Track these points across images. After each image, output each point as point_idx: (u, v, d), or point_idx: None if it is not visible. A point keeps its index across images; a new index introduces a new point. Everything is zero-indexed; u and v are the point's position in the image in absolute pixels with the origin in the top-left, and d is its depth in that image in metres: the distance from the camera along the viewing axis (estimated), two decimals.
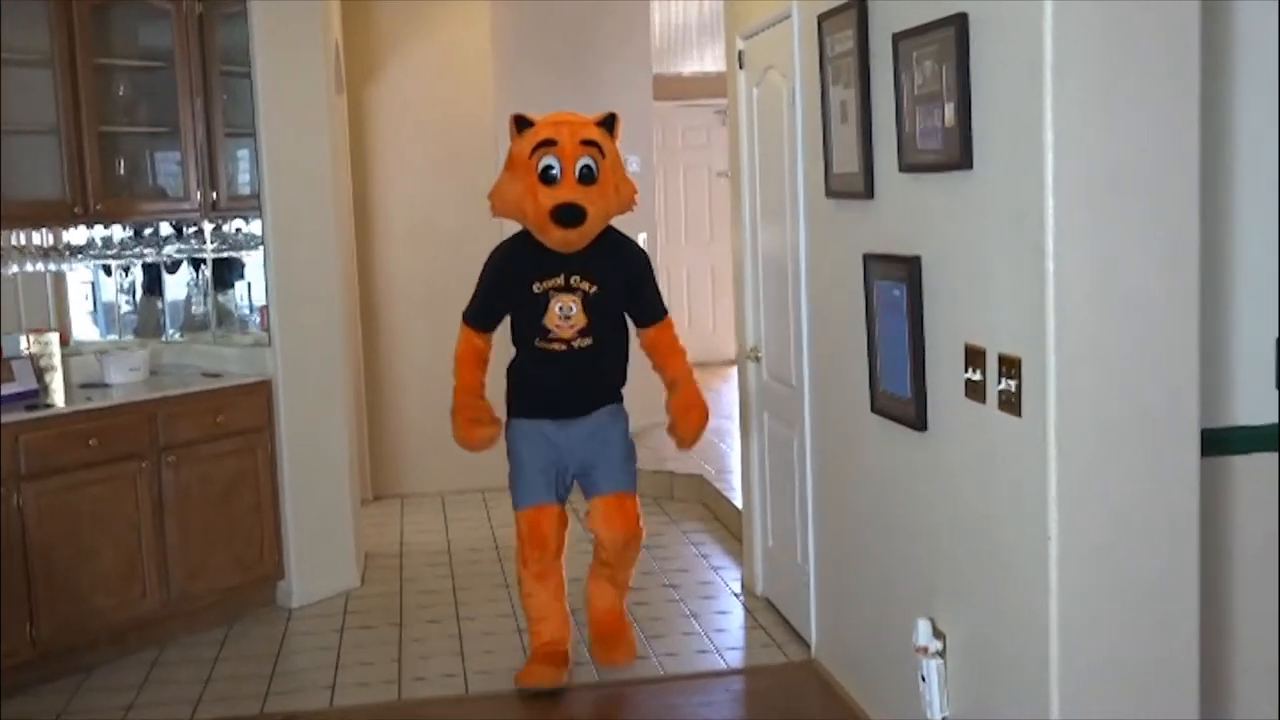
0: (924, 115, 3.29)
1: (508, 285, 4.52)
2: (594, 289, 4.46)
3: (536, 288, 4.45)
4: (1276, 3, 3.11)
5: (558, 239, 4.38)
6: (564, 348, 4.48)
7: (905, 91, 3.38)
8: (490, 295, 4.59)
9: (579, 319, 4.45)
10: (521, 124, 4.47)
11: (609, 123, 4.52)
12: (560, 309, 4.44)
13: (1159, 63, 2.80)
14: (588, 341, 4.48)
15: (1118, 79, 2.78)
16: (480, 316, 4.63)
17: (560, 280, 4.44)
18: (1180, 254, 2.85)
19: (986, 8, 2.99)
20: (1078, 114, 2.77)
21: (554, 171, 4.36)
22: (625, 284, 4.57)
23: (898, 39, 3.40)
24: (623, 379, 4.71)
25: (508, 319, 4.62)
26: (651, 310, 4.71)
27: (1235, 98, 3.16)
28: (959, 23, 3.06)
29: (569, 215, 4.33)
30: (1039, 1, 2.74)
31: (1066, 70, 2.75)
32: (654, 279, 4.73)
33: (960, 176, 3.15)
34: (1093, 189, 2.80)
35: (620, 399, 4.72)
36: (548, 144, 4.37)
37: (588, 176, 4.38)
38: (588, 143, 4.41)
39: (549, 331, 4.47)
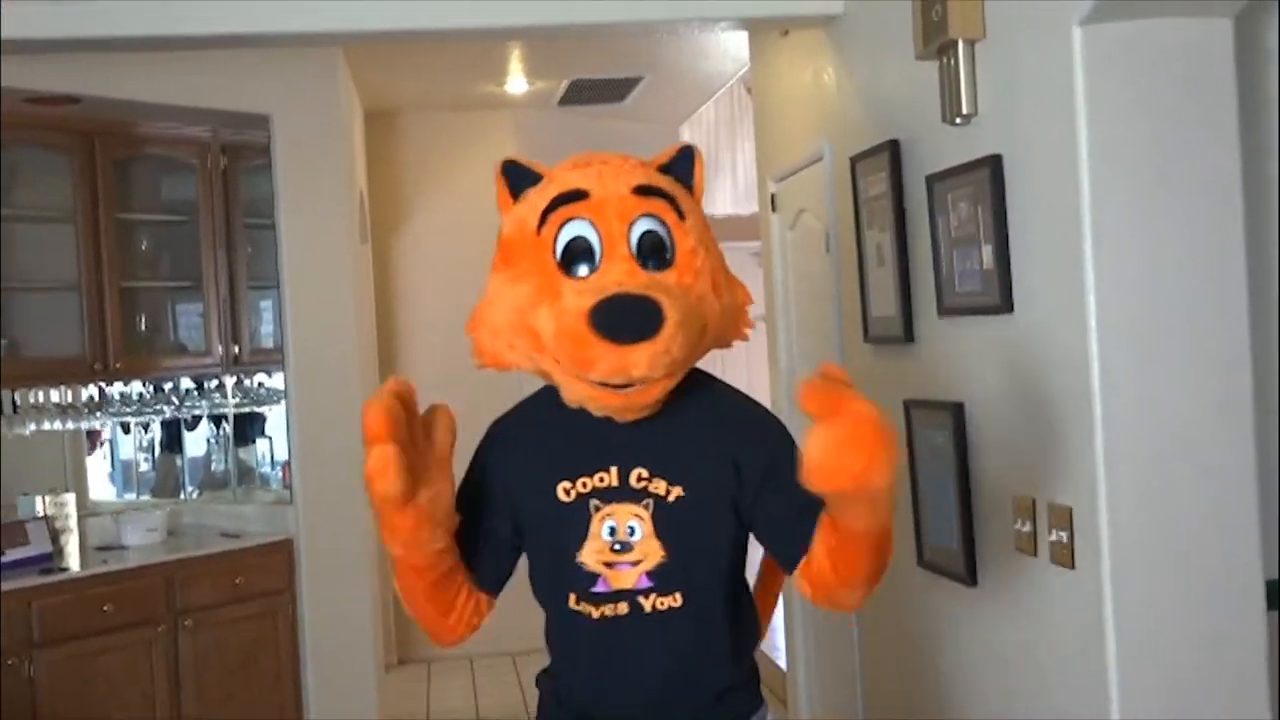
0: (961, 258, 3.20)
1: (509, 486, 2.28)
2: (678, 491, 2.20)
3: (565, 491, 2.21)
4: None
5: (602, 390, 2.07)
6: (620, 610, 2.21)
7: (941, 234, 3.30)
8: (475, 510, 2.25)
9: (648, 550, 2.20)
10: (519, 178, 2.21)
11: (681, 165, 2.27)
12: (610, 531, 2.20)
13: (1199, 201, 2.72)
14: (670, 600, 2.21)
15: (1157, 217, 2.70)
16: (485, 567, 2.31)
17: (609, 475, 2.21)
18: (1233, 396, 2.75)
19: (1021, 148, 2.94)
20: (1118, 252, 2.69)
21: (588, 247, 2.09)
22: (745, 483, 2.23)
23: (932, 181, 3.33)
24: (755, 678, 2.40)
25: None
26: (810, 519, 2.13)
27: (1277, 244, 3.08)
28: (993, 164, 3.01)
29: (628, 318, 1.99)
30: (1073, 141, 2.69)
31: (1104, 209, 2.68)
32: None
33: (1001, 320, 3.06)
34: (1138, 330, 2.71)
35: (759, 696, 2.39)
36: (572, 198, 2.13)
37: (655, 254, 2.11)
38: (647, 191, 2.15)
39: (591, 580, 2.22)
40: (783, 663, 5.91)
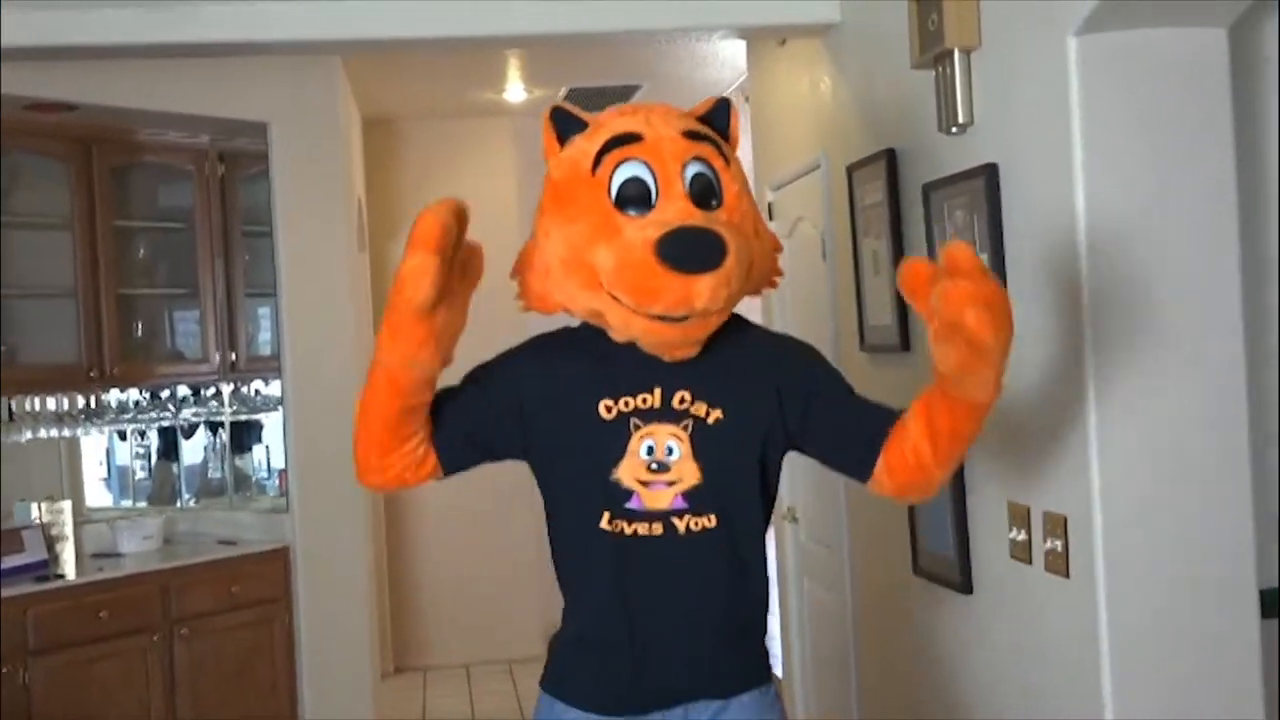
0: None
1: (545, 398, 2.27)
2: (717, 414, 2.24)
3: (606, 409, 2.22)
4: None
5: (661, 324, 2.10)
6: (655, 529, 2.23)
7: (938, 242, 3.30)
8: (477, 395, 2.29)
9: (685, 470, 2.23)
10: (566, 124, 2.26)
11: (719, 116, 2.32)
12: (648, 450, 2.23)
13: (1195, 204, 2.72)
14: (704, 521, 2.24)
15: (1153, 224, 2.70)
16: (452, 436, 2.27)
17: (653, 396, 2.23)
18: (1229, 403, 2.75)
19: (1016, 157, 2.94)
20: (1113, 261, 2.69)
21: (643, 186, 2.13)
22: (787, 410, 2.30)
23: (928, 189, 3.33)
24: (766, 604, 2.39)
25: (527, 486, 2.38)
26: (869, 420, 2.31)
27: (1275, 237, 3.06)
28: (989, 173, 3.01)
29: (695, 248, 2.05)
30: (1069, 150, 2.69)
31: (1099, 217, 2.68)
32: (840, 375, 2.40)
33: None
34: (1133, 338, 2.71)
35: (770, 669, 2.41)
36: (626, 140, 2.17)
37: (706, 194, 2.16)
38: (694, 136, 2.20)
39: (625, 497, 2.23)
40: (779, 669, 5.89)
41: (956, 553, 3.34)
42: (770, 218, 5.16)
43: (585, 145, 2.19)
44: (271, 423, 5.73)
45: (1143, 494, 2.71)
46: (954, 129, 3.12)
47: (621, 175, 2.13)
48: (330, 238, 5.68)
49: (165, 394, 5.71)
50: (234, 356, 5.58)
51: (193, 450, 5.93)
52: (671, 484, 2.21)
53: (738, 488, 2.27)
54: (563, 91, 7.08)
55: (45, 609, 4.62)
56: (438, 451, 2.25)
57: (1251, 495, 2.76)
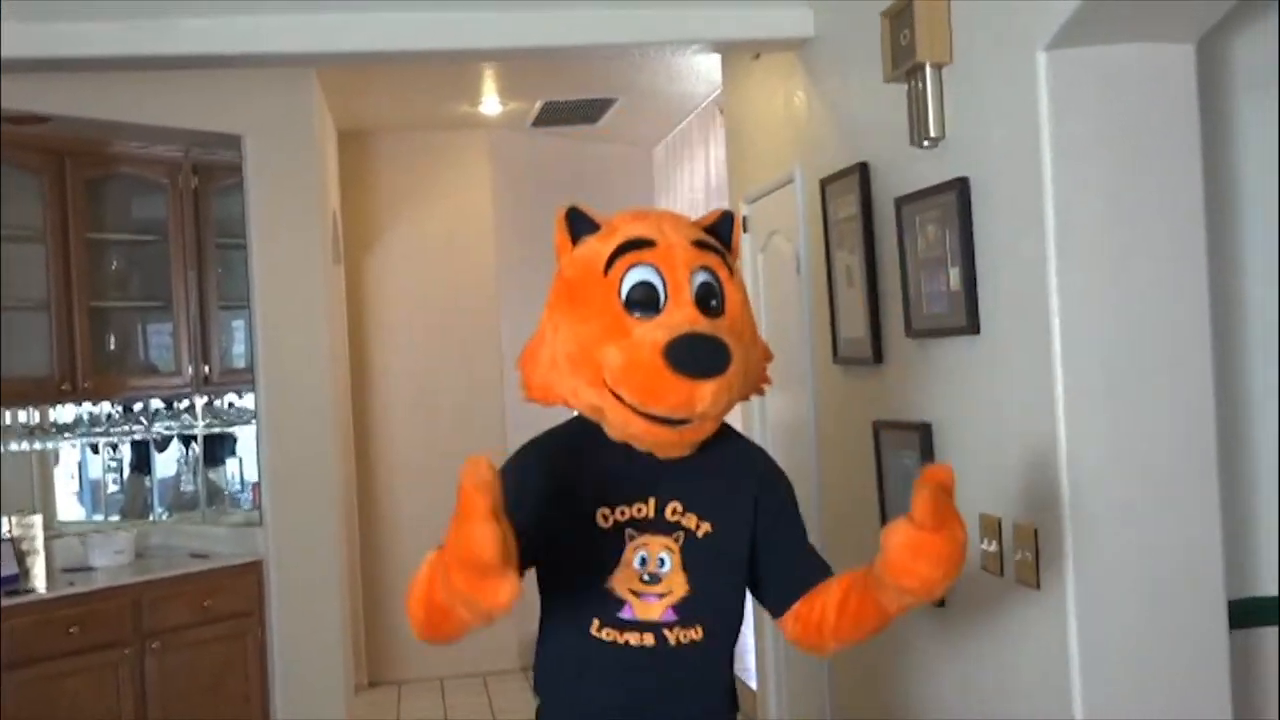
0: (929, 279, 3.22)
1: (545, 505, 2.26)
2: (706, 527, 2.32)
3: (603, 518, 2.28)
4: None
5: (659, 426, 2.19)
6: (646, 640, 2.28)
7: (910, 256, 3.32)
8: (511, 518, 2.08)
9: (674, 583, 2.29)
10: (579, 224, 2.34)
11: (723, 227, 2.44)
12: (641, 561, 2.28)
13: (1163, 219, 2.74)
14: (692, 634, 2.30)
15: (1121, 239, 2.72)
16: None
17: (647, 507, 2.29)
18: (1197, 415, 2.76)
19: (987, 171, 2.95)
20: (1082, 275, 2.71)
21: (653, 292, 2.20)
22: (758, 526, 2.40)
23: (900, 203, 3.34)
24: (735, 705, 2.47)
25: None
26: (807, 569, 2.44)
27: (1243, 250, 3.10)
28: (960, 187, 3.02)
29: (701, 354, 2.14)
30: (1039, 164, 2.70)
31: (1068, 231, 2.69)
32: (801, 518, 2.52)
33: (968, 341, 3.07)
34: (1102, 351, 2.72)
35: None
36: (638, 245, 2.25)
37: (710, 301, 2.25)
38: (703, 246, 2.30)
39: (618, 606, 2.29)
40: (753, 682, 5.89)
41: None
42: (745, 231, 5.17)
43: (599, 247, 2.26)
44: (245, 436, 5.71)
45: (1112, 505, 2.71)
46: (926, 143, 3.14)
47: (633, 278, 2.21)
48: (305, 250, 5.67)
49: (138, 407, 5.68)
50: (207, 369, 5.56)
51: (165, 463, 5.90)
52: (662, 595, 2.29)
53: (722, 599, 2.36)
54: (538, 105, 7.09)
55: (15, 623, 4.58)
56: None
57: (1219, 506, 2.77)
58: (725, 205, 5.62)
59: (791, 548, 2.43)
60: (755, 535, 2.39)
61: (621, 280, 2.21)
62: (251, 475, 5.64)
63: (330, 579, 5.67)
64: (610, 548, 2.27)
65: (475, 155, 7.64)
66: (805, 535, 2.48)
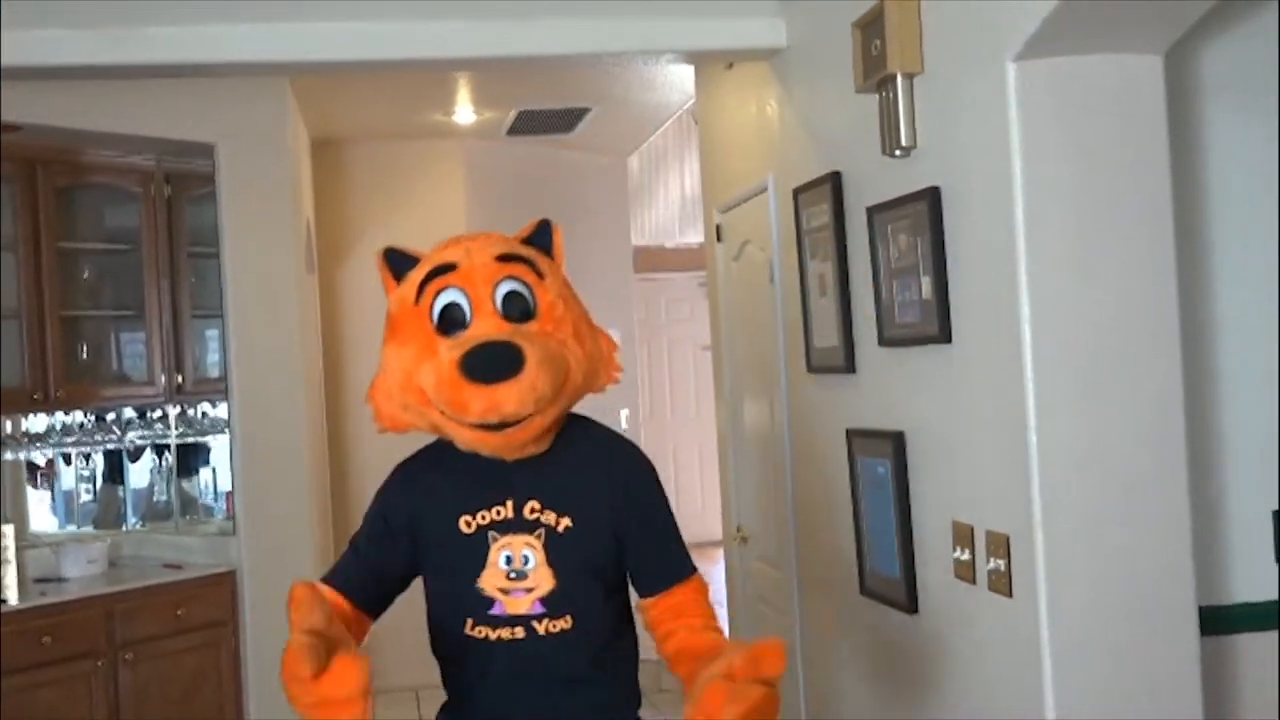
0: (901, 288, 3.23)
1: (415, 519, 2.49)
2: (566, 522, 2.44)
3: (466, 524, 2.44)
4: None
5: (482, 432, 2.33)
6: (517, 634, 2.42)
7: (882, 264, 3.33)
8: (376, 541, 2.52)
9: (541, 578, 2.42)
10: (399, 263, 2.49)
11: (541, 236, 2.54)
12: (506, 560, 2.42)
13: (1132, 228, 2.76)
14: (562, 624, 2.43)
15: (1091, 247, 2.74)
16: (350, 581, 2.51)
17: (505, 508, 2.44)
18: (1167, 423, 2.78)
19: (958, 181, 2.96)
20: (1052, 283, 2.73)
21: (460, 310, 2.37)
22: (620, 513, 2.51)
23: (872, 212, 3.36)
24: (635, 697, 2.60)
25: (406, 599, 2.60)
26: (668, 562, 2.58)
27: (1212, 258, 3.13)
28: (932, 196, 3.03)
29: (492, 361, 2.27)
30: (1008, 174, 2.72)
31: (1038, 240, 2.71)
32: (667, 504, 2.61)
33: (939, 350, 3.08)
34: (1073, 360, 2.74)
35: None
36: (443, 271, 2.41)
37: (518, 309, 2.39)
38: (509, 258, 2.43)
39: (488, 604, 2.42)
40: None
41: (902, 573, 3.35)
42: (718, 240, 5.19)
43: (413, 277, 2.44)
44: (218, 445, 5.69)
45: (1083, 513, 2.73)
46: (897, 152, 3.15)
47: (440, 302, 2.38)
48: (278, 259, 5.65)
49: (111, 416, 5.65)
50: (180, 378, 5.54)
51: (139, 473, 5.87)
52: (529, 590, 2.43)
53: (590, 590, 2.47)
54: (512, 114, 7.09)
55: None
56: (369, 611, 2.54)
57: (1190, 513, 2.79)
58: (700, 212, 5.63)
59: (651, 540, 2.55)
60: (617, 526, 2.50)
61: (431, 305, 2.38)
62: (225, 485, 5.62)
63: None
64: (476, 551, 2.42)
65: (450, 164, 7.63)
66: (668, 527, 2.58)
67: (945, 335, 3.02)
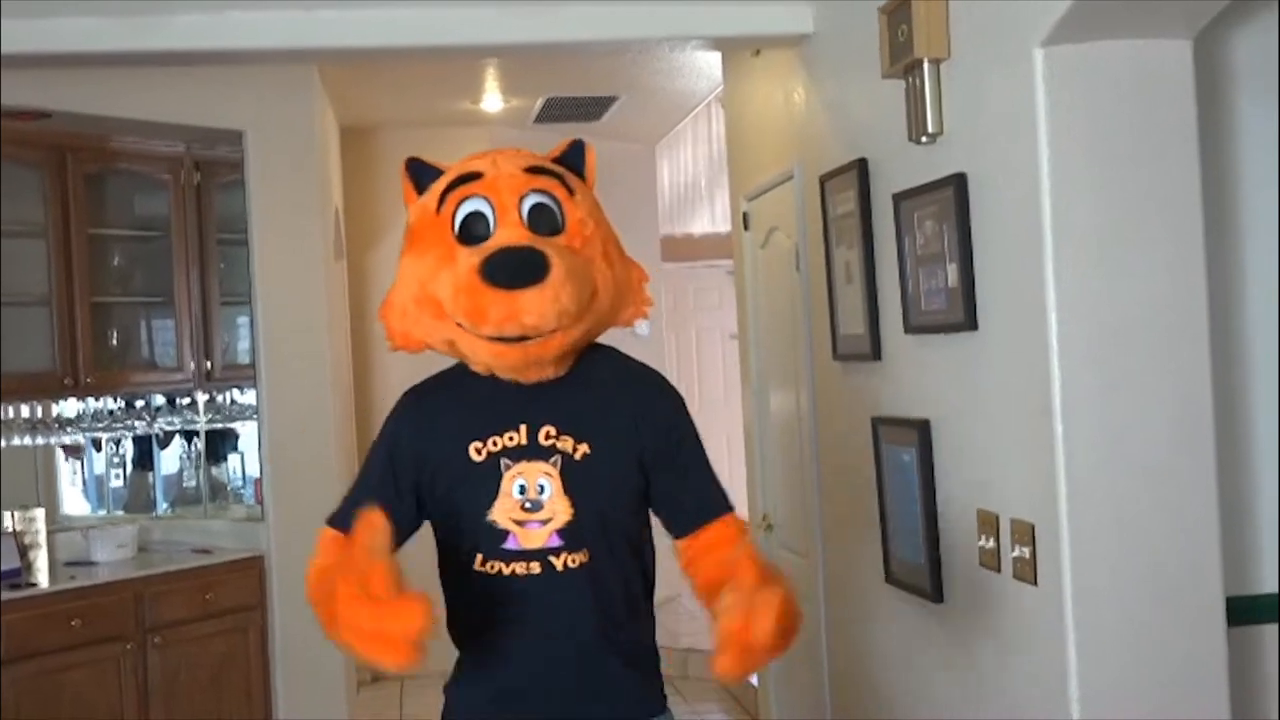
0: (927, 275, 3.21)
1: (420, 450, 2.33)
2: (584, 449, 2.28)
3: (476, 451, 2.27)
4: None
5: (500, 345, 2.19)
6: (533, 569, 2.26)
7: (908, 252, 3.31)
8: (382, 472, 2.36)
9: (557, 508, 2.26)
10: (422, 174, 2.38)
11: (573, 156, 2.42)
12: (520, 489, 2.26)
13: (1160, 216, 2.73)
14: (579, 557, 2.27)
15: (1119, 234, 2.72)
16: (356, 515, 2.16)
17: (519, 434, 2.28)
18: (1195, 411, 2.75)
19: (984, 167, 2.95)
20: (1079, 271, 2.70)
21: (483, 220, 2.23)
22: (646, 442, 2.35)
23: (898, 199, 3.34)
24: (653, 652, 2.45)
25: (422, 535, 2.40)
26: (701, 498, 2.41)
27: (1241, 245, 3.10)
28: (958, 183, 3.01)
29: (517, 266, 2.14)
30: (1035, 160, 2.70)
31: (1065, 228, 2.69)
32: (697, 436, 2.45)
33: (965, 337, 3.07)
34: (1099, 347, 2.72)
35: (665, 699, 2.45)
36: (468, 179, 2.30)
37: (546, 224, 2.24)
38: (538, 170, 2.33)
39: (501, 537, 2.26)
40: (753, 678, 5.90)
41: (927, 561, 3.34)
42: (745, 228, 5.18)
43: (435, 187, 2.31)
44: (247, 431, 5.72)
45: (1109, 501, 2.71)
46: (924, 139, 3.14)
47: (463, 211, 2.24)
48: (307, 246, 5.67)
49: (140, 402, 5.69)
50: (209, 365, 5.57)
51: (168, 459, 5.91)
52: (545, 522, 2.26)
53: (609, 522, 2.31)
54: (540, 101, 7.09)
55: (17, 617, 4.58)
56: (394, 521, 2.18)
57: (1218, 502, 2.76)
58: (728, 202, 5.62)
59: (681, 472, 2.38)
60: (643, 455, 2.34)
61: (454, 215, 2.24)
62: (253, 470, 5.65)
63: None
64: (487, 480, 2.26)
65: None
66: (699, 459, 2.41)
67: (971, 323, 3.01)
